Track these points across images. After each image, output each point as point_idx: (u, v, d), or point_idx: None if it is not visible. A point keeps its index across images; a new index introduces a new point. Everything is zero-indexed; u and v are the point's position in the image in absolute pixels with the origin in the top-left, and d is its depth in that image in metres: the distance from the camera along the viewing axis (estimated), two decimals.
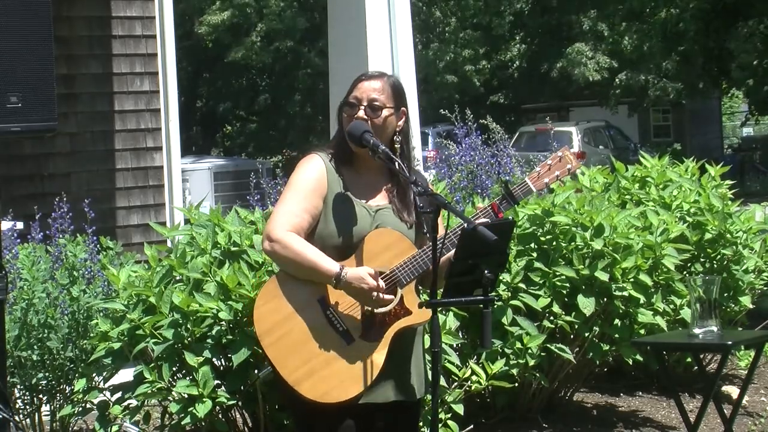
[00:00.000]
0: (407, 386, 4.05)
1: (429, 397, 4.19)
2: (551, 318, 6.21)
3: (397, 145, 4.09)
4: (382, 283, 3.92)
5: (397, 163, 3.99)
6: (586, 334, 6.39)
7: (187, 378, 5.42)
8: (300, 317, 3.92)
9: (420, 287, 4.11)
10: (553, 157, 4.19)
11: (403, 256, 3.98)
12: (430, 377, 4.07)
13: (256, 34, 36.25)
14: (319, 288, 3.95)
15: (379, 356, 3.94)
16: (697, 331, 5.73)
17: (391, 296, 3.94)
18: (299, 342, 3.91)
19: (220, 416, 5.57)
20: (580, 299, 6.19)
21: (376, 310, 3.94)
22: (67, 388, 6.03)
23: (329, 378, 3.90)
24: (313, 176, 4.03)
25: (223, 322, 5.32)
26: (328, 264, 3.91)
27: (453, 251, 3.89)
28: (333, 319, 3.93)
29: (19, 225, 7.07)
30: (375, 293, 3.90)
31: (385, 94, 4.07)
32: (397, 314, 3.98)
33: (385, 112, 4.06)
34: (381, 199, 4.10)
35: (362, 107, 4.05)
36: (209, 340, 5.36)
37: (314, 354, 3.90)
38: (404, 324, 3.98)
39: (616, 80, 34.40)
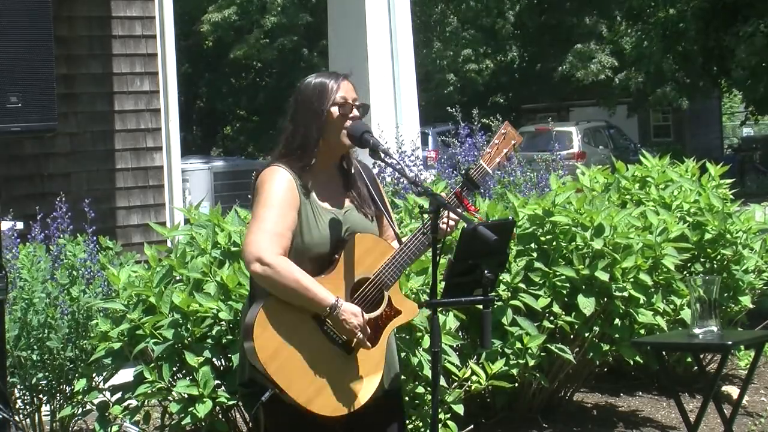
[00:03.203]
0: (388, 379, 4.08)
1: (429, 396, 4.19)
2: (551, 318, 6.21)
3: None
4: (366, 328, 3.92)
5: (397, 163, 4.01)
6: (586, 334, 6.39)
7: (187, 378, 5.42)
8: (299, 336, 3.90)
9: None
10: (498, 135, 4.22)
11: (383, 258, 3.98)
12: (427, 372, 4.07)
13: (259, 30, 36.22)
14: None
15: (380, 359, 3.98)
16: (697, 331, 5.73)
17: (368, 344, 3.95)
18: (303, 363, 3.90)
19: (220, 416, 5.57)
20: (580, 299, 6.19)
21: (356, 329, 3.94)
22: (67, 388, 6.03)
23: (337, 392, 3.91)
24: (284, 189, 3.96)
25: (223, 322, 5.33)
26: (323, 294, 3.88)
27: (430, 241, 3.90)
28: (331, 333, 3.93)
29: (19, 225, 7.07)
30: (360, 334, 3.91)
31: (356, 92, 4.11)
32: (388, 316, 3.99)
33: (367, 111, 4.11)
34: (343, 200, 4.07)
35: (354, 105, 4.05)
36: (209, 340, 5.36)
37: (320, 371, 3.91)
38: (397, 324, 4.01)
39: (616, 80, 34.39)
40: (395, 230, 4.14)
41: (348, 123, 4.02)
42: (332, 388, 3.91)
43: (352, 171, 4.10)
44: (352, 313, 3.88)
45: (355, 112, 4.04)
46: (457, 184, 4.15)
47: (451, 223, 4.00)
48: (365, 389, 3.94)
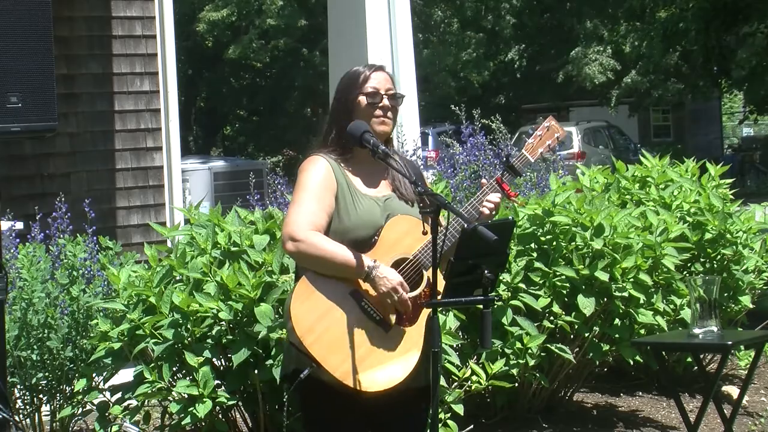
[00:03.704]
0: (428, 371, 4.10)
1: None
2: (551, 318, 6.21)
3: (394, 133, 4.24)
4: (404, 294, 3.94)
5: (396, 163, 4.02)
6: (586, 334, 6.39)
7: (187, 378, 5.42)
8: (337, 312, 3.96)
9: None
10: (542, 127, 4.36)
11: (422, 240, 4.02)
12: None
13: (254, 31, 36.22)
14: (349, 282, 3.99)
15: (419, 339, 3.99)
16: (697, 331, 5.73)
17: (409, 304, 3.97)
18: (340, 336, 3.94)
19: (220, 416, 5.57)
20: (580, 299, 6.19)
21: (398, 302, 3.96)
22: (67, 388, 6.03)
23: (374, 367, 3.94)
24: (321, 175, 4.07)
25: (223, 322, 5.32)
26: (360, 259, 3.95)
27: (454, 247, 3.92)
28: (369, 310, 3.97)
29: (19, 225, 7.07)
30: (399, 293, 3.93)
31: (393, 84, 4.18)
32: (427, 296, 4.01)
33: (401, 100, 4.17)
34: (385, 188, 4.15)
35: (384, 96, 4.11)
36: (209, 340, 5.36)
37: (357, 346, 3.94)
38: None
39: (622, 83, 34.41)
40: None
41: (378, 112, 4.10)
42: (369, 363, 3.94)
43: (393, 158, 4.12)
44: (391, 276, 3.92)
45: (386, 102, 4.11)
46: (496, 172, 4.25)
47: (491, 205, 4.11)
48: (403, 367, 3.96)
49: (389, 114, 4.13)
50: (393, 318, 3.99)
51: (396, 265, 4.02)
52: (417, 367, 4.01)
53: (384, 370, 3.95)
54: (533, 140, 4.33)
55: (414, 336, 4.00)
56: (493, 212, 4.15)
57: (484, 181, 4.26)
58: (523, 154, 4.30)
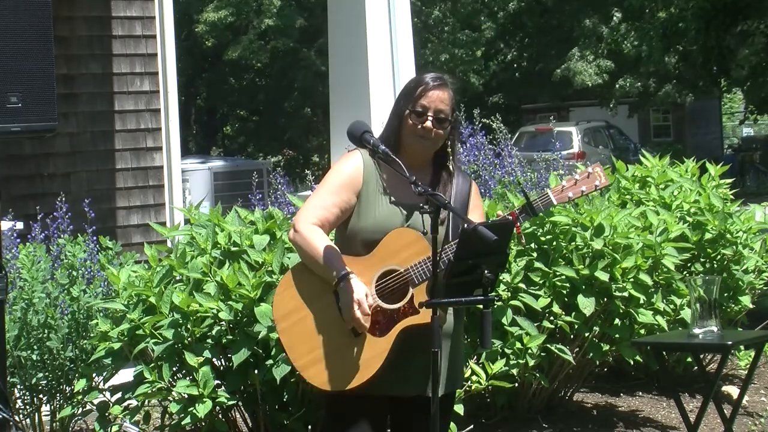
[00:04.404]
0: (445, 381, 4.12)
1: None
2: (551, 318, 6.20)
3: (449, 148, 4.18)
4: (366, 308, 3.95)
5: (395, 163, 4.00)
6: (586, 334, 6.38)
7: (187, 378, 5.42)
8: (314, 307, 4.03)
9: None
10: (582, 172, 4.19)
11: (419, 257, 4.02)
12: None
13: (253, 32, 36.21)
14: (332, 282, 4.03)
15: (384, 350, 3.99)
16: (697, 331, 5.73)
17: (366, 326, 3.98)
18: (310, 330, 4.02)
19: (220, 416, 5.57)
20: (580, 299, 6.19)
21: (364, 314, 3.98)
22: (67, 388, 6.02)
23: (332, 367, 4.00)
24: (347, 172, 4.11)
25: (223, 322, 5.32)
26: (335, 267, 3.98)
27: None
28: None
29: (19, 225, 7.07)
30: (358, 314, 3.93)
31: (450, 106, 4.14)
32: (405, 312, 4.02)
33: (448, 125, 4.14)
34: (418, 198, 4.05)
35: (430, 117, 4.10)
36: (209, 340, 5.36)
37: (322, 343, 4.01)
38: (411, 322, 4.01)
39: (617, 85, 34.40)
40: None
41: (420, 131, 4.08)
42: (329, 362, 4.00)
43: (449, 177, 4.16)
44: (356, 291, 3.94)
45: (428, 124, 4.09)
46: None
47: None
48: (360, 374, 3.99)
49: (431, 135, 4.10)
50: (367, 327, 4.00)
51: (384, 275, 4.03)
52: (419, 375, 4.02)
53: (340, 374, 3.99)
54: (567, 183, 4.15)
55: (381, 347, 4.00)
56: None
57: (499, 212, 4.20)
58: (547, 195, 4.17)
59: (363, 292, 3.96)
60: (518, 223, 4.15)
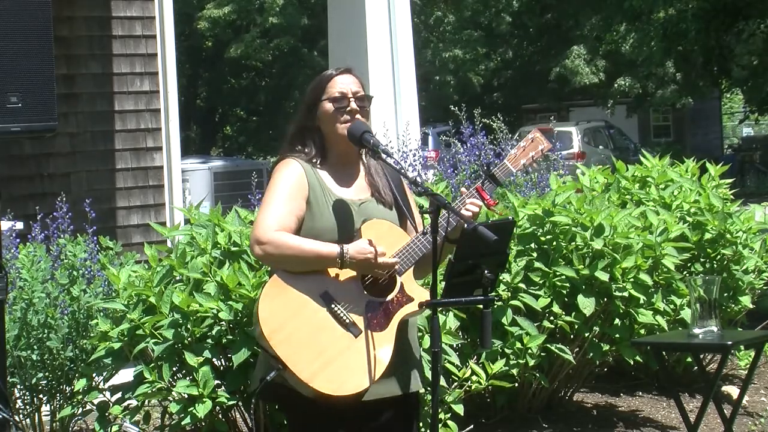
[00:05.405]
0: (408, 379, 4.06)
1: (429, 396, 4.18)
2: (551, 318, 6.21)
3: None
4: (381, 248, 3.92)
5: (397, 163, 4.01)
6: (586, 334, 6.39)
7: (187, 378, 5.42)
8: (306, 314, 3.91)
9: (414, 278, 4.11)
10: (526, 139, 4.30)
11: (397, 245, 3.99)
12: (428, 373, 4.06)
13: (256, 30, 36.19)
14: (320, 284, 3.95)
15: (388, 346, 3.95)
16: (697, 331, 5.73)
17: (395, 259, 3.94)
18: (308, 338, 3.89)
19: (220, 416, 5.57)
20: (580, 299, 6.19)
21: (381, 277, 3.95)
22: (67, 388, 6.02)
23: (341, 371, 3.88)
24: (293, 179, 4.02)
25: (223, 322, 5.32)
26: (328, 247, 3.92)
27: (448, 238, 3.91)
28: (338, 313, 3.93)
29: (19, 225, 7.07)
30: (378, 258, 3.90)
31: (361, 86, 4.12)
32: (400, 302, 3.98)
33: (368, 103, 4.12)
34: (362, 192, 4.09)
35: (350, 98, 4.07)
36: (209, 340, 5.36)
37: (324, 349, 3.89)
38: (408, 311, 3.98)
39: (615, 85, 34.41)
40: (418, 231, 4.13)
41: (346, 117, 4.05)
42: (337, 367, 3.87)
43: (369, 164, 4.13)
44: (360, 248, 3.89)
45: (353, 105, 4.06)
46: (478, 180, 4.19)
47: (469, 213, 4.02)
48: (371, 373, 3.90)
49: (358, 117, 4.07)
50: (362, 323, 3.93)
51: None
52: (389, 374, 3.95)
53: (351, 376, 3.89)
54: (516, 151, 4.26)
55: (384, 342, 3.94)
56: (474, 216, 4.06)
57: (463, 189, 4.22)
58: (505, 164, 4.22)
59: (366, 243, 3.91)
60: (484, 192, 4.13)
